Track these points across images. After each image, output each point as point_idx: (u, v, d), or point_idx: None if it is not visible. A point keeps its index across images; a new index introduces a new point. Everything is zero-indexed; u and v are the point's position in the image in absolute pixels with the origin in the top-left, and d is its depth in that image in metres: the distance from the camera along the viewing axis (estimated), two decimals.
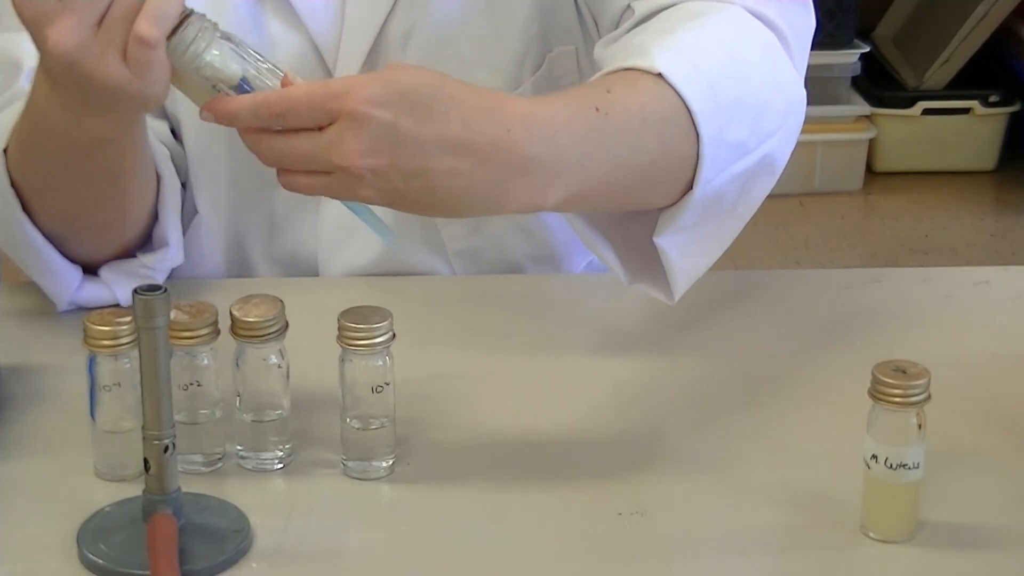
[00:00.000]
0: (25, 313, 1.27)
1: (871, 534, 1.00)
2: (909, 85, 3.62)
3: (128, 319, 1.03)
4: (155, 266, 1.27)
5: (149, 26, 1.02)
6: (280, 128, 1.01)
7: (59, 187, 1.20)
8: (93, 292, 1.26)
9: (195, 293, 1.19)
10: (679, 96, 1.11)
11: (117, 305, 1.24)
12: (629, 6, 1.24)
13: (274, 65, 1.04)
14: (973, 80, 3.60)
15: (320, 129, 1.00)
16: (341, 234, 1.35)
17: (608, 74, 1.13)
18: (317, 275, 1.36)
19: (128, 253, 1.27)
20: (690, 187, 1.12)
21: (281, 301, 1.06)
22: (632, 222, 1.17)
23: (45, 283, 1.25)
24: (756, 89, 1.17)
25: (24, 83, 1.24)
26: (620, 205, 1.13)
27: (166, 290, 0.94)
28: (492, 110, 1.03)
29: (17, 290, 1.30)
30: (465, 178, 1.02)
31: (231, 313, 1.05)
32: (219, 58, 1.03)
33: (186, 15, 1.03)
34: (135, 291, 0.94)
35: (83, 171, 1.17)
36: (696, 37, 1.16)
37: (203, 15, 1.04)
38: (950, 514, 1.02)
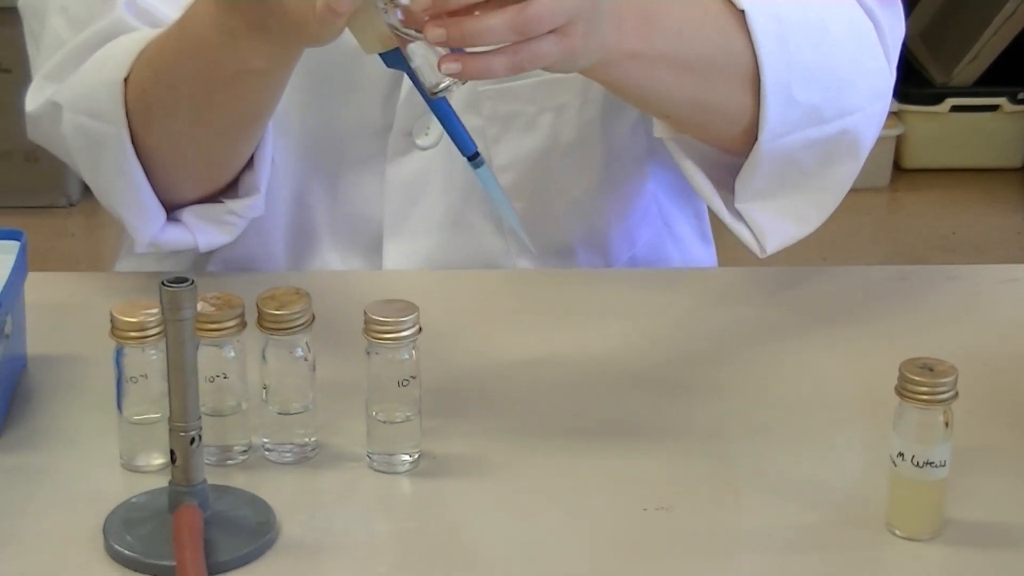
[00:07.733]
0: (52, 304, 1.27)
1: (897, 532, 1.00)
2: (937, 82, 3.61)
3: (155, 311, 1.03)
4: (242, 213, 1.25)
5: None
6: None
7: (187, 119, 1.17)
8: (176, 234, 1.24)
9: (222, 285, 1.19)
10: (751, 38, 1.15)
11: (196, 249, 1.24)
12: None
13: None
14: (1001, 77, 3.59)
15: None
16: (406, 199, 1.32)
17: None
18: (380, 243, 1.34)
19: (211, 199, 1.25)
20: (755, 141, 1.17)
21: (308, 294, 1.06)
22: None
23: (132, 218, 1.23)
24: (838, 61, 1.20)
25: (123, 12, 1.21)
26: (684, 96, 1.16)
27: (193, 282, 0.94)
28: None
29: (45, 280, 1.30)
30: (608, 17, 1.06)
31: (257, 305, 1.05)
32: None
33: None
34: (162, 283, 0.94)
35: (221, 103, 1.15)
36: None
37: None
38: (976, 512, 1.02)
